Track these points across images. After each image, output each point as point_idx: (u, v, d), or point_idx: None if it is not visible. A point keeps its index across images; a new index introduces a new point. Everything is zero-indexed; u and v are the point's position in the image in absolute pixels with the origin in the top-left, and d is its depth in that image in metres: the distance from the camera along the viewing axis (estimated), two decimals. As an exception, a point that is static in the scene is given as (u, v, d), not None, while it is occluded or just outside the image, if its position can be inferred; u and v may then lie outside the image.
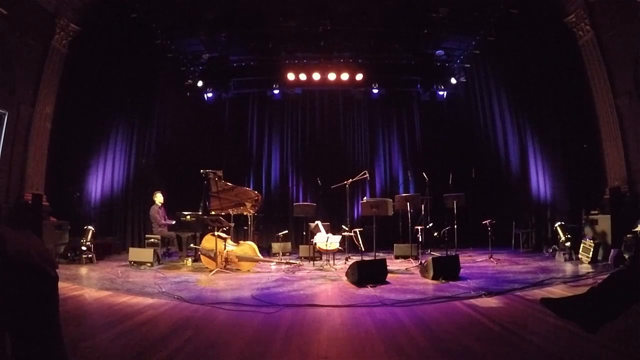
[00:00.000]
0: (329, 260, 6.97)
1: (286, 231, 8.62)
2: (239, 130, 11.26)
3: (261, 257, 6.55)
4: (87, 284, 5.17)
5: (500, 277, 5.36)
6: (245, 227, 7.93)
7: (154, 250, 6.97)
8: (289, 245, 8.90)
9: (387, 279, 5.22)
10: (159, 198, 7.98)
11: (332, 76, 10.09)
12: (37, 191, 7.06)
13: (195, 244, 7.14)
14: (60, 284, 4.79)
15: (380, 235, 6.97)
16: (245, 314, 3.63)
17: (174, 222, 7.49)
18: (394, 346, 2.70)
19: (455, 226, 7.39)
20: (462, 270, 5.49)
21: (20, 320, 1.31)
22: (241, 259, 6.34)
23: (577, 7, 7.41)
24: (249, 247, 6.41)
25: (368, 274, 5.06)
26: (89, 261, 6.96)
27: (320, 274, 6.01)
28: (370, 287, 4.75)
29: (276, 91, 10.57)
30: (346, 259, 7.45)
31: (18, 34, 6.70)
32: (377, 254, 6.74)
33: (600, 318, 2.01)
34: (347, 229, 7.24)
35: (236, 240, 6.95)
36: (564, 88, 8.05)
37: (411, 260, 7.40)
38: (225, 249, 6.29)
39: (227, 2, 8.08)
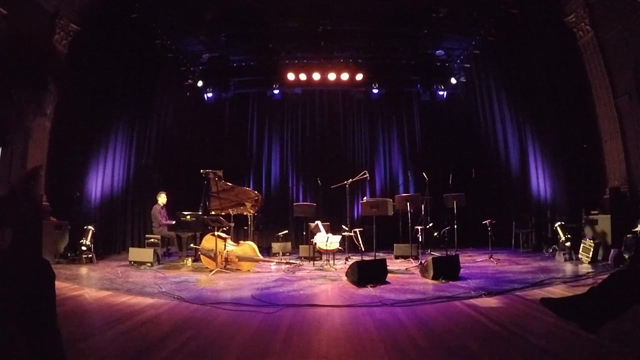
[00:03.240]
0: (329, 260, 6.97)
1: (286, 231, 8.63)
2: (239, 130, 11.26)
3: (261, 257, 6.55)
4: (87, 284, 5.17)
5: (500, 277, 5.36)
6: (245, 227, 7.94)
7: (154, 250, 6.98)
8: (289, 245, 8.91)
9: (387, 279, 5.23)
10: (162, 198, 8.03)
11: (332, 76, 10.08)
12: (37, 191, 7.06)
13: (195, 244, 7.15)
14: (60, 284, 4.75)
15: (380, 235, 6.96)
16: (245, 314, 3.63)
17: (174, 222, 7.50)
18: (394, 346, 2.70)
19: (455, 226, 7.40)
20: (462, 270, 5.50)
21: (20, 314, 1.31)
22: (241, 259, 6.34)
23: (577, 7, 7.41)
24: (249, 247, 6.42)
25: (368, 274, 5.06)
26: (89, 261, 6.96)
27: (320, 274, 6.01)
28: (370, 287, 4.75)
29: (276, 91, 10.57)
30: (346, 259, 7.45)
31: (18, 34, 6.69)
32: (377, 254, 6.74)
33: (600, 318, 2.01)
34: (347, 229, 7.24)
35: (236, 240, 6.95)
36: (564, 88, 8.04)
37: (411, 260, 7.40)
38: (225, 249, 6.29)
39: (227, 2, 8.08)
